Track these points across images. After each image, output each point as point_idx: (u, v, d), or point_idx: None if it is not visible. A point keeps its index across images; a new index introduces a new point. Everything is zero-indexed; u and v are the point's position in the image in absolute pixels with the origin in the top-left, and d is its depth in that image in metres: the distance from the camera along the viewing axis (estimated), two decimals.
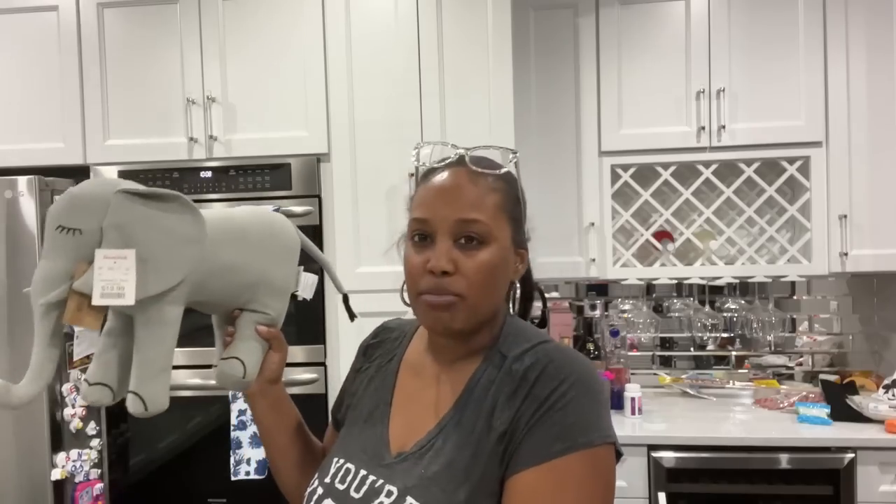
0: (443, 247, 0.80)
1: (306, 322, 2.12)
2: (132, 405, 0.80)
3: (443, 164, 0.85)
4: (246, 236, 0.91)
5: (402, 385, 0.91)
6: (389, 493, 0.78)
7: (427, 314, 0.82)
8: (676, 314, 2.72)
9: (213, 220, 0.88)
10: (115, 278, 0.77)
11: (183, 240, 0.82)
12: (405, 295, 0.87)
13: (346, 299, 1.10)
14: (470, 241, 0.80)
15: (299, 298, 0.99)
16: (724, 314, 2.69)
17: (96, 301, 0.76)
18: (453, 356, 0.87)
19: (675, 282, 2.71)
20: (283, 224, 0.98)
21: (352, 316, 1.08)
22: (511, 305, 0.92)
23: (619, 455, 0.79)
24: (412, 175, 2.11)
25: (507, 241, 0.82)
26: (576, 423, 0.75)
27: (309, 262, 1.01)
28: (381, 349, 0.99)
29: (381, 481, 0.80)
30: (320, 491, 0.86)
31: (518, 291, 0.93)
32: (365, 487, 0.81)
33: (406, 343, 0.96)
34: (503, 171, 0.85)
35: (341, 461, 0.87)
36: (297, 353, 2.10)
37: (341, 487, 0.83)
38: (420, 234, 0.82)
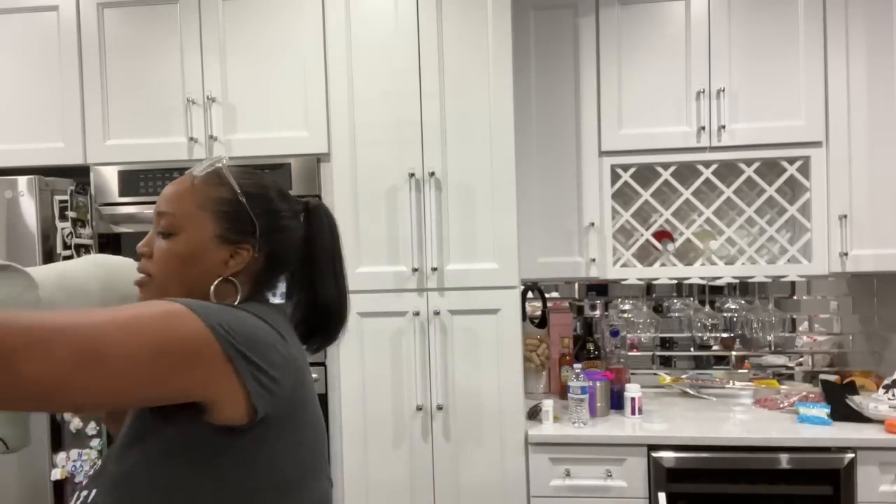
0: (149, 234, 0.95)
1: None
2: None
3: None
4: (85, 289, 0.94)
5: None
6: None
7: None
8: (676, 314, 2.72)
9: (48, 280, 0.90)
10: None
11: (17, 307, 0.85)
12: None
13: None
14: (164, 231, 0.92)
15: None
16: (724, 314, 2.69)
17: None
18: None
19: (675, 282, 2.72)
20: (122, 268, 1.00)
21: None
22: (243, 297, 0.95)
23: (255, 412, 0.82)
24: (412, 175, 2.12)
25: (204, 235, 0.92)
26: (196, 302, 0.82)
27: None
28: None
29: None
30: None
31: (245, 284, 0.96)
32: None
33: None
34: (204, 172, 0.94)
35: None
36: None
37: None
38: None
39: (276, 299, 1.03)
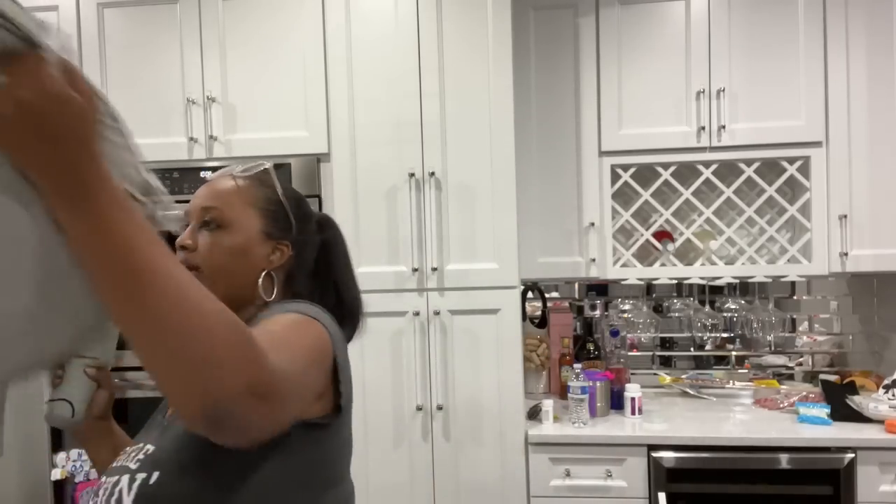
0: (189, 228, 0.97)
1: None
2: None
3: (215, 173, 1.03)
4: None
5: None
6: None
7: None
8: (676, 314, 2.72)
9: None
10: None
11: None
12: None
13: None
14: (207, 224, 0.96)
15: None
16: (724, 314, 2.69)
17: None
18: None
19: (675, 282, 2.72)
20: None
21: None
22: (277, 292, 1.00)
23: (338, 409, 0.88)
24: (412, 175, 2.12)
25: (252, 230, 0.97)
26: (296, 306, 0.89)
27: None
28: None
29: None
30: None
31: (278, 280, 1.00)
32: None
33: None
34: (248, 173, 1.00)
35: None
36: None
37: None
38: (184, 224, 0.99)
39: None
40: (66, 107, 0.50)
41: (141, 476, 0.83)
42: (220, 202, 0.96)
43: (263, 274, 0.96)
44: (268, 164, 1.02)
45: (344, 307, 1.07)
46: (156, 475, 0.82)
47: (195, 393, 0.56)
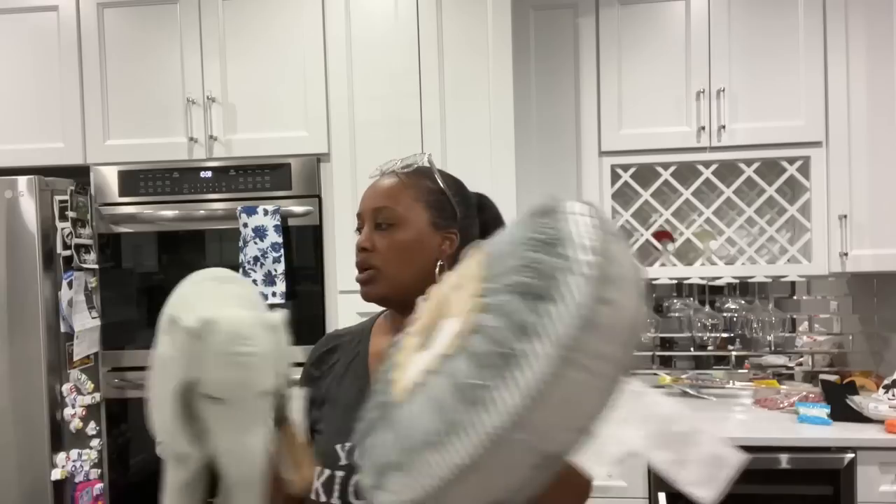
0: (365, 230, 1.00)
1: (306, 322, 2.12)
2: None
3: (376, 174, 1.05)
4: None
5: (375, 371, 0.96)
6: None
7: (361, 290, 1.00)
8: (676, 314, 2.71)
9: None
10: None
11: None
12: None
13: None
14: (380, 224, 0.98)
15: None
16: (724, 314, 2.69)
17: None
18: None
19: (675, 282, 2.71)
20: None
21: None
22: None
23: None
24: None
25: (422, 223, 0.98)
26: None
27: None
28: (337, 353, 1.08)
29: None
30: (341, 474, 0.93)
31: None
32: None
33: (367, 339, 1.07)
34: (410, 168, 1.02)
35: (347, 444, 0.93)
36: (297, 353, 2.10)
37: None
38: (358, 227, 1.02)
39: None
40: None
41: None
42: (389, 201, 0.99)
43: (440, 264, 0.98)
44: (427, 155, 1.05)
45: None
46: None
47: None
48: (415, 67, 2.12)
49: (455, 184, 1.05)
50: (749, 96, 2.34)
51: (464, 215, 1.03)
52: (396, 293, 0.98)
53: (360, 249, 0.99)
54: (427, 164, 1.04)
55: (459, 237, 1.01)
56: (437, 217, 1.00)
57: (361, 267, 0.99)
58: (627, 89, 2.39)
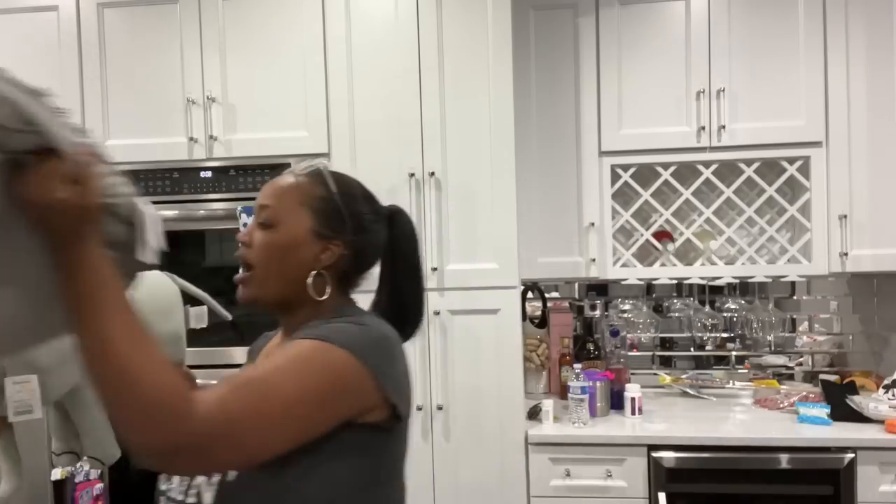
0: (249, 225, 1.00)
1: None
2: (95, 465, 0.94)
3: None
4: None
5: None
6: None
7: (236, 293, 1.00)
8: (676, 314, 2.72)
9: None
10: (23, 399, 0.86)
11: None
12: None
13: (234, 325, 1.30)
14: (264, 223, 0.98)
15: (197, 328, 1.06)
16: (724, 314, 2.69)
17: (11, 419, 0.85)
18: (287, 337, 1.00)
19: (675, 282, 2.72)
20: (157, 281, 1.04)
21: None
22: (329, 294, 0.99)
23: (397, 417, 0.92)
24: (412, 175, 2.12)
25: (301, 228, 0.97)
26: (328, 329, 0.89)
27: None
28: (259, 346, 1.14)
29: None
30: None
31: (330, 281, 0.99)
32: None
33: (272, 336, 1.11)
34: (304, 172, 1.00)
35: None
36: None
37: None
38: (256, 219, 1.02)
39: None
40: (63, 213, 0.68)
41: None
42: (275, 200, 0.98)
43: (313, 274, 0.96)
44: (325, 163, 1.03)
45: (400, 309, 1.07)
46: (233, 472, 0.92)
47: (130, 441, 0.69)
48: (415, 67, 2.12)
49: (351, 195, 1.02)
50: (749, 96, 2.34)
51: (357, 229, 1.00)
52: (265, 296, 0.97)
53: (239, 243, 0.99)
54: (324, 171, 1.02)
55: (348, 249, 0.99)
56: (322, 225, 0.97)
57: (241, 262, 0.98)
58: (627, 89, 2.39)
